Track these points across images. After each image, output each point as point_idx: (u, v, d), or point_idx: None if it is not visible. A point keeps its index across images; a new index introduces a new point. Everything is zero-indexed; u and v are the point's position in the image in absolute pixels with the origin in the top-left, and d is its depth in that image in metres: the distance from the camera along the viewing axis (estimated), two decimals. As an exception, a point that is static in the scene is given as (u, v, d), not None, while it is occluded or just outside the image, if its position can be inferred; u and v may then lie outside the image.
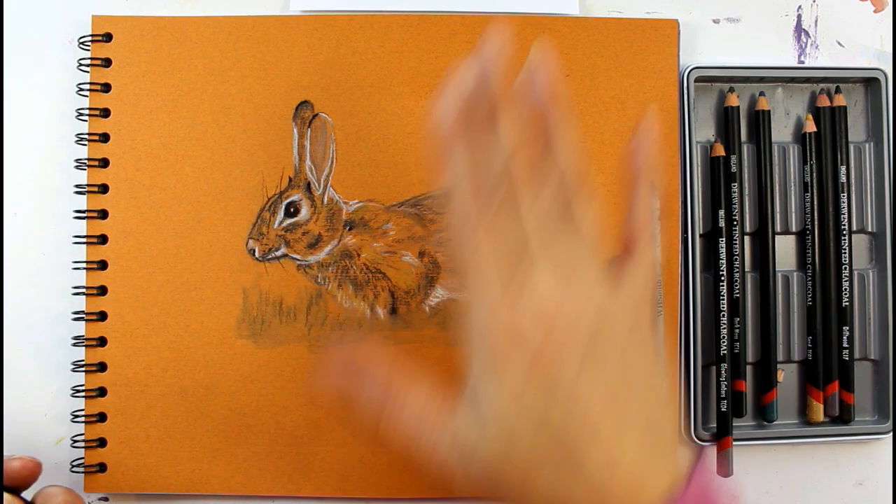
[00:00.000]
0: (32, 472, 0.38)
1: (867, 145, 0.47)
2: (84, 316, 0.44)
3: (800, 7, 0.47)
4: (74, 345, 0.44)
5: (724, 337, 0.44)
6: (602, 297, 0.28)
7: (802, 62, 0.47)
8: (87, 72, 0.45)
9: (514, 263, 0.28)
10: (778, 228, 0.46)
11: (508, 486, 0.27)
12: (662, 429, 0.29)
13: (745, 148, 0.46)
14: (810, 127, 0.46)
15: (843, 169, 0.45)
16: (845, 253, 0.45)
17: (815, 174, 0.46)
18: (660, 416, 0.29)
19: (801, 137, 0.46)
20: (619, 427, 0.27)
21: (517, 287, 0.27)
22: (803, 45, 0.47)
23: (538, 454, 0.27)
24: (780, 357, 0.46)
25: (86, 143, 0.45)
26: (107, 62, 0.45)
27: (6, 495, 0.36)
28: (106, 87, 0.45)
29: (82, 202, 0.45)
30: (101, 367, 0.44)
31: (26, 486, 0.39)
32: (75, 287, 0.44)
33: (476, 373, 0.28)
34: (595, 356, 0.27)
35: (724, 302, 0.45)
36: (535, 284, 0.27)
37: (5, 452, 0.45)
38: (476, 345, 0.28)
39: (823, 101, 0.46)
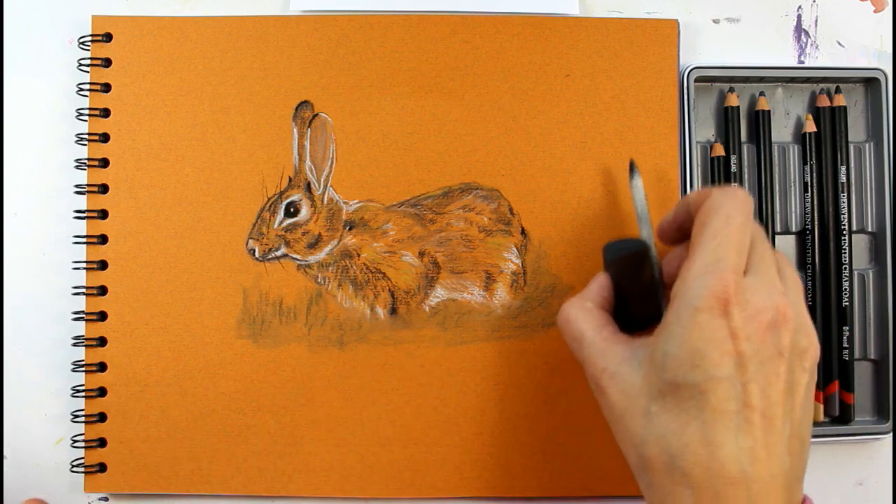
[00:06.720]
0: None
1: (867, 145, 0.47)
2: (84, 316, 0.44)
3: (800, 7, 0.47)
4: (74, 345, 0.44)
5: (724, 337, 0.44)
6: None
7: (802, 62, 0.47)
8: (87, 72, 0.45)
9: None
10: (778, 228, 0.46)
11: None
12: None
13: (745, 148, 0.46)
14: (810, 127, 0.46)
15: (843, 169, 0.45)
16: (845, 253, 0.45)
17: (815, 174, 0.46)
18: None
19: (801, 137, 0.46)
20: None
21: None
22: (803, 45, 0.47)
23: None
24: (780, 357, 0.46)
25: (86, 143, 0.45)
26: (107, 62, 0.45)
27: None
28: (106, 87, 0.45)
29: (82, 202, 0.45)
30: (101, 367, 0.44)
31: None
32: (75, 287, 0.44)
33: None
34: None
35: (724, 302, 0.44)
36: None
37: (6, 453, 0.45)
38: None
39: (823, 101, 0.46)
